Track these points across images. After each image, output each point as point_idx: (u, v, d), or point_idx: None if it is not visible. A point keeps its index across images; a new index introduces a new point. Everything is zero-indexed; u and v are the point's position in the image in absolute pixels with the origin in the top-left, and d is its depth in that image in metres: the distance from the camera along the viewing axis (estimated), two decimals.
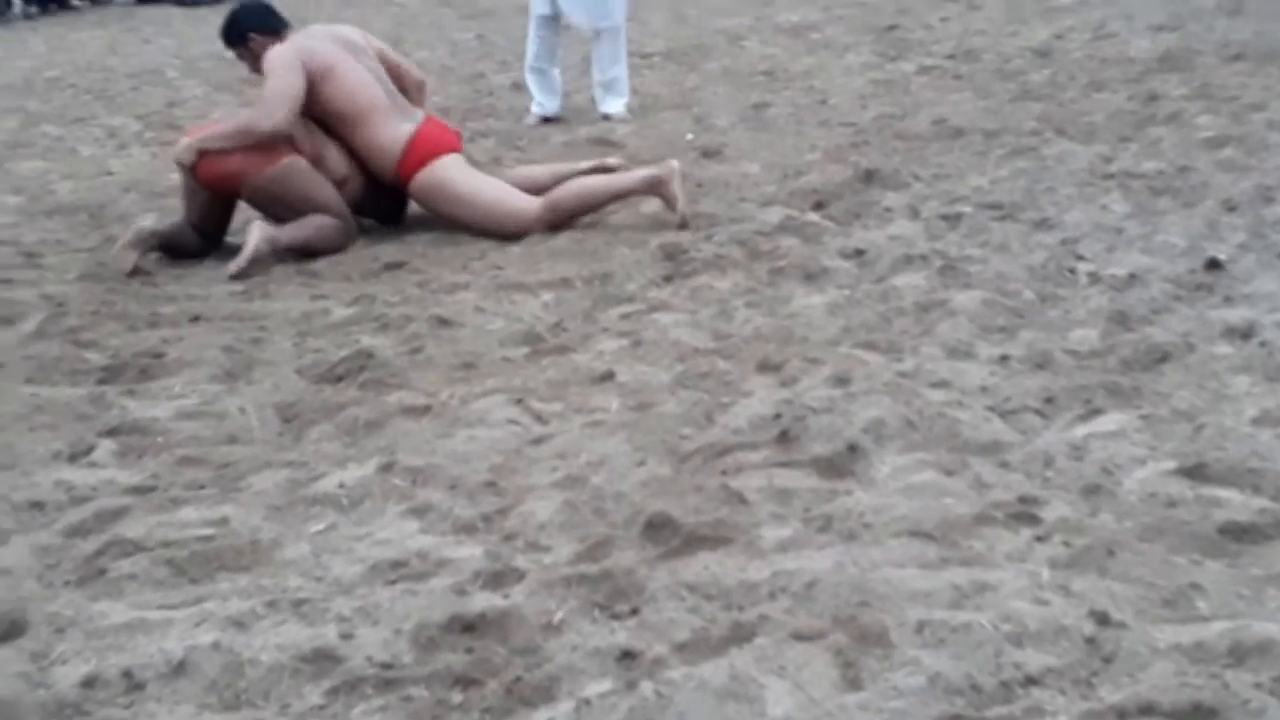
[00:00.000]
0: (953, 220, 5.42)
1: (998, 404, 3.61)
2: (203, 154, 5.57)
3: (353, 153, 5.82)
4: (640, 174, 5.75)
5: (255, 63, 5.87)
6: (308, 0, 15.67)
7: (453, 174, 5.77)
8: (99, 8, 16.72)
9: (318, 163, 5.73)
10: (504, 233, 5.68)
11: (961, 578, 2.70)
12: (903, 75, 8.97)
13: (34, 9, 16.44)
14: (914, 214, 5.56)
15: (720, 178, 6.48)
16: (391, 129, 5.78)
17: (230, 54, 6.13)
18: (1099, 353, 3.96)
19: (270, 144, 5.60)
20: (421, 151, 5.77)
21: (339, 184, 5.79)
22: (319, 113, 5.72)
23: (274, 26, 5.87)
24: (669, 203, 5.67)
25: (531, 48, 8.33)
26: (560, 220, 5.69)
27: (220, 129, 5.67)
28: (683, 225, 5.59)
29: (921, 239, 5.20)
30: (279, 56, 5.67)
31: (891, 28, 10.88)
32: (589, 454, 3.47)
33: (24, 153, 8.32)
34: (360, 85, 5.79)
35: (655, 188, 5.70)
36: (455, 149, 5.86)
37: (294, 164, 5.64)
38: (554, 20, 8.23)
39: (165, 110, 9.44)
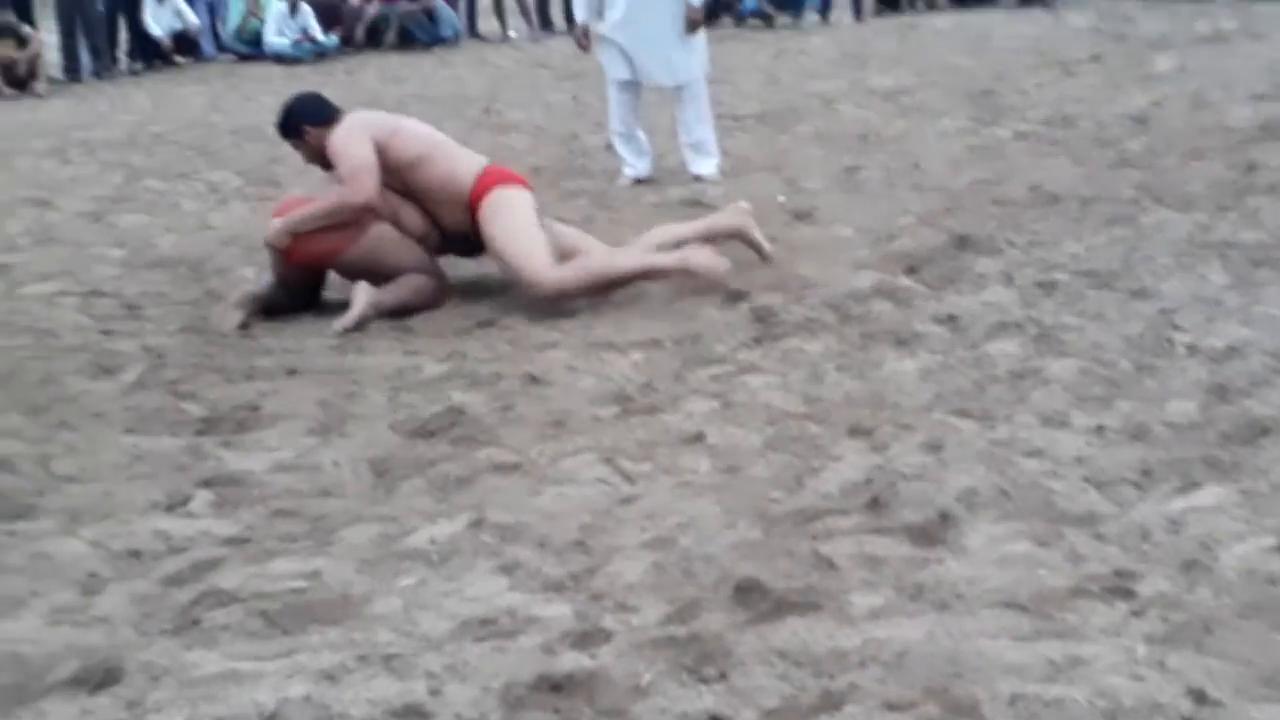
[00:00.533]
0: (1048, 288, 5.37)
1: (1093, 475, 3.56)
2: (294, 235, 5.65)
3: (426, 198, 5.84)
4: (685, 254, 5.73)
5: (311, 153, 5.96)
6: (404, 62, 15.95)
7: (514, 204, 5.76)
8: (201, 65, 17.05)
9: (396, 224, 5.80)
10: (519, 282, 5.68)
11: (1055, 651, 2.66)
12: (998, 140, 8.92)
13: (139, 65, 16.83)
14: (1008, 280, 5.52)
15: (812, 241, 6.47)
16: (465, 160, 5.87)
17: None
18: (1197, 425, 3.90)
19: (354, 218, 5.68)
20: (494, 178, 5.81)
21: (420, 240, 5.86)
22: (392, 166, 5.76)
23: (326, 116, 5.93)
24: (753, 246, 5.86)
25: (613, 112, 8.35)
26: (582, 290, 5.65)
27: (311, 209, 5.71)
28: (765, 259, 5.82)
29: (1016, 306, 5.15)
30: (344, 135, 5.76)
31: (986, 93, 10.84)
32: (678, 515, 3.46)
33: (127, 206, 8.50)
34: (427, 130, 5.96)
35: (737, 236, 5.94)
36: (527, 186, 5.91)
37: (380, 232, 5.72)
38: (632, 84, 8.25)
39: (265, 166, 9.61)
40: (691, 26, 8.00)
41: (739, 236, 5.99)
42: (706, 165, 8.25)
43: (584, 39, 8.49)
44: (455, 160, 5.85)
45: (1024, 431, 3.89)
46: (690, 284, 5.65)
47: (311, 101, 6.07)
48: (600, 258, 5.76)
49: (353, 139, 5.74)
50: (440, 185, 5.81)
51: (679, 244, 5.87)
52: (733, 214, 6.05)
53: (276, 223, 5.70)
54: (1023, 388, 4.28)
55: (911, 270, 5.79)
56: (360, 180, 5.66)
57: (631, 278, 5.72)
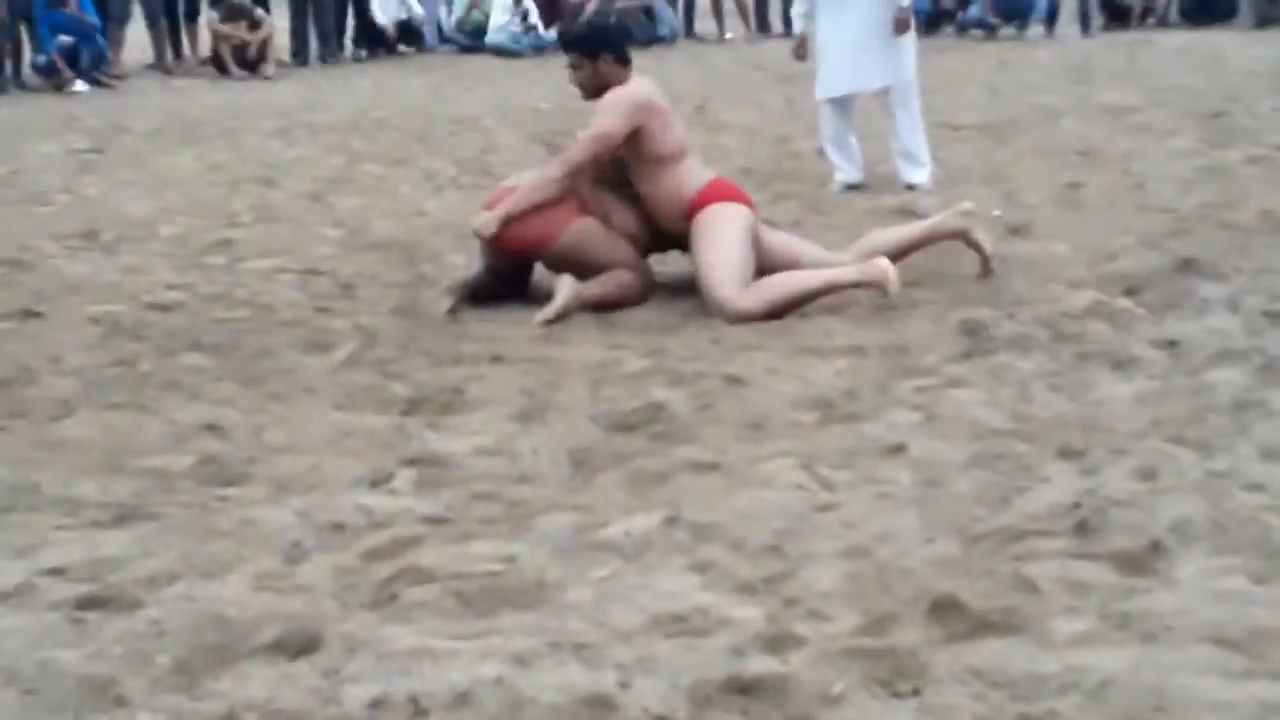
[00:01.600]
0: (1275, 317, 5.14)
1: None
2: (504, 224, 5.65)
3: (650, 197, 5.83)
4: (866, 265, 5.60)
5: (589, 80, 5.89)
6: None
7: (728, 222, 5.69)
8: (424, 55, 17.47)
9: (607, 223, 5.82)
10: (707, 301, 5.59)
11: (1267, 692, 2.55)
12: (1228, 164, 8.59)
13: (363, 52, 17.32)
14: (1234, 308, 5.30)
15: (1027, 257, 6.32)
16: (698, 171, 5.84)
17: (567, 60, 6.07)
18: None
19: (561, 212, 5.70)
20: (719, 192, 5.78)
21: (630, 240, 5.88)
22: (639, 154, 5.74)
23: (627, 57, 5.90)
24: (976, 249, 5.80)
25: (825, 122, 8.27)
26: (769, 314, 5.51)
27: (517, 195, 5.70)
28: (987, 271, 5.66)
29: (1240, 334, 4.95)
30: (621, 100, 5.72)
31: (1218, 114, 10.46)
32: (876, 526, 3.41)
33: (346, 189, 8.72)
34: (681, 131, 5.90)
35: (960, 237, 5.84)
36: (750, 205, 5.86)
37: (588, 226, 5.74)
38: (845, 99, 8.15)
39: (480, 156, 9.78)
40: (900, 28, 7.88)
41: (962, 238, 5.88)
42: (919, 174, 8.12)
43: (800, 48, 8.47)
44: (690, 167, 5.84)
45: (1244, 464, 3.73)
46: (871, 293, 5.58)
47: (620, 34, 6.04)
48: (788, 279, 5.64)
49: (621, 107, 5.71)
50: (669, 189, 5.79)
51: (901, 246, 5.82)
52: (956, 216, 5.93)
53: (486, 214, 5.74)
54: (1244, 419, 4.10)
55: (1131, 292, 5.61)
56: (583, 149, 5.69)
57: (815, 296, 5.63)
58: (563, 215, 5.71)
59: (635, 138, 5.70)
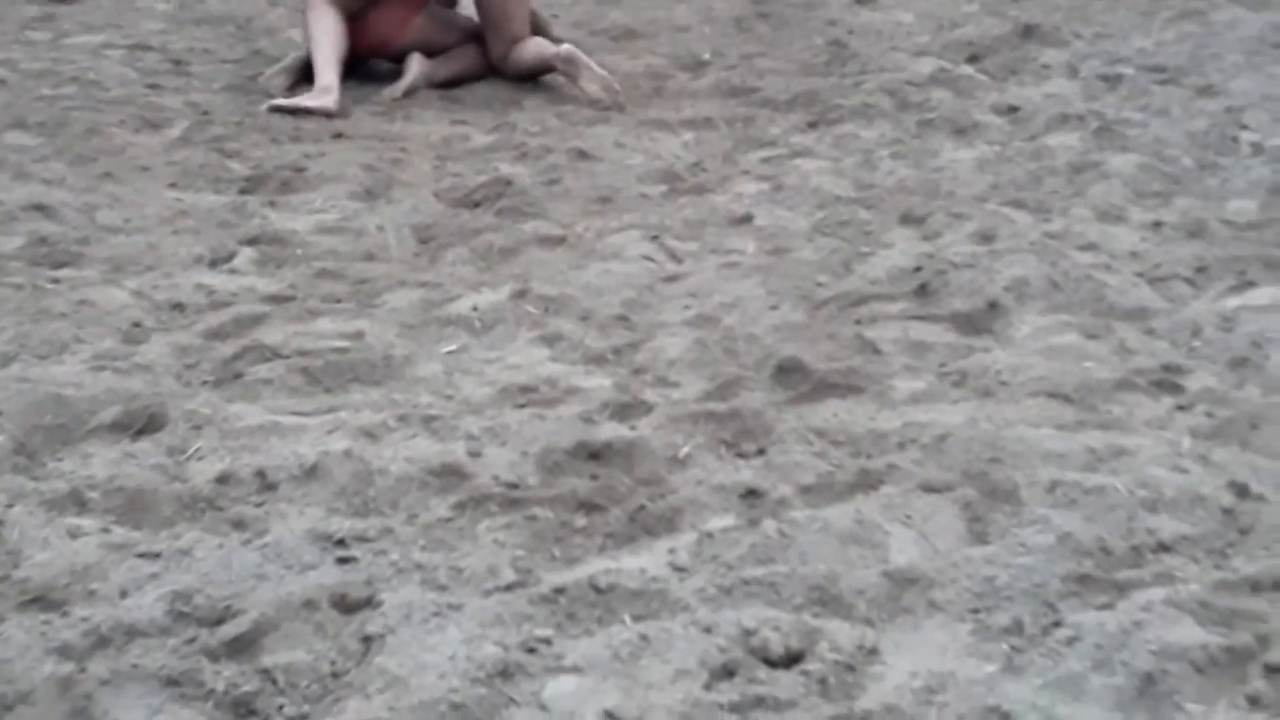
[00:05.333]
0: (1112, 81, 5.23)
1: (1147, 270, 3.50)
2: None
3: None
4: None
5: None
6: None
7: None
8: None
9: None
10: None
11: (1098, 441, 2.63)
12: None
13: None
14: (1072, 73, 5.37)
15: (872, 25, 6.31)
16: None
17: None
18: (1256, 224, 3.82)
19: (399, 11, 5.59)
20: None
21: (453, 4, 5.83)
22: None
23: None
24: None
25: None
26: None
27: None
28: (612, 104, 5.31)
29: (1078, 98, 5.02)
30: None
31: None
32: (722, 295, 3.43)
33: None
34: None
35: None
36: None
37: (425, 20, 5.65)
38: None
39: None
40: None
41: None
42: None
43: None
44: None
45: (1079, 225, 3.81)
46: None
47: None
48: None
49: None
50: None
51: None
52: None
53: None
54: (1081, 181, 4.19)
55: (973, 59, 5.65)
56: None
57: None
58: (402, 14, 5.56)
59: None
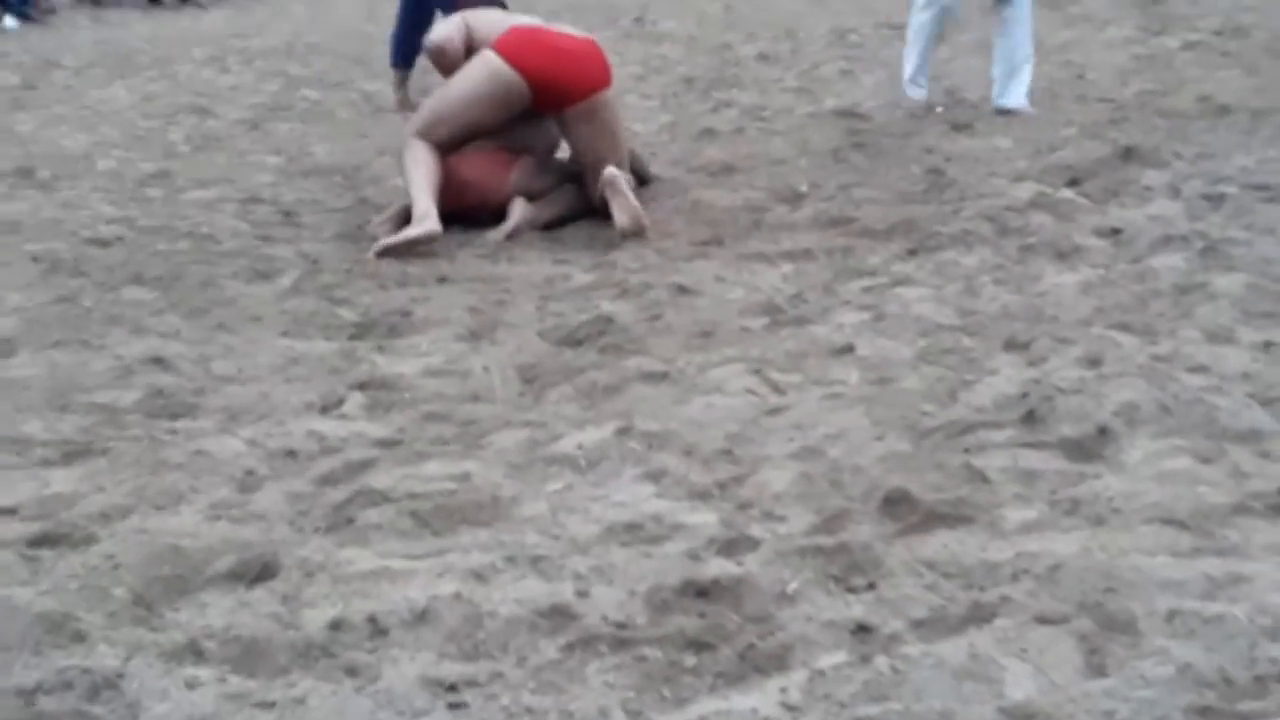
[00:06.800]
0: (1216, 201, 5.19)
1: (1259, 391, 3.43)
2: (449, 190, 5.60)
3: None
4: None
5: None
6: None
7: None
8: None
9: (530, 151, 5.86)
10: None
11: (1215, 568, 2.58)
12: (1166, 51, 8.62)
13: None
14: (1175, 193, 5.34)
15: (970, 152, 6.33)
16: None
17: None
18: None
19: (494, 165, 5.74)
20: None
21: (550, 150, 5.94)
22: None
23: None
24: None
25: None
26: None
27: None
28: (636, 234, 5.39)
29: (1182, 219, 4.99)
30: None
31: (1155, 1, 10.46)
32: (826, 426, 3.42)
33: (284, 115, 8.62)
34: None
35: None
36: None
37: (522, 169, 5.78)
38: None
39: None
40: None
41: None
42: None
43: None
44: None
45: (1188, 347, 3.77)
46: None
47: None
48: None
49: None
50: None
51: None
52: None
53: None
54: (1187, 303, 4.14)
55: (1073, 182, 5.64)
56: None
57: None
58: (497, 169, 5.69)
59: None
